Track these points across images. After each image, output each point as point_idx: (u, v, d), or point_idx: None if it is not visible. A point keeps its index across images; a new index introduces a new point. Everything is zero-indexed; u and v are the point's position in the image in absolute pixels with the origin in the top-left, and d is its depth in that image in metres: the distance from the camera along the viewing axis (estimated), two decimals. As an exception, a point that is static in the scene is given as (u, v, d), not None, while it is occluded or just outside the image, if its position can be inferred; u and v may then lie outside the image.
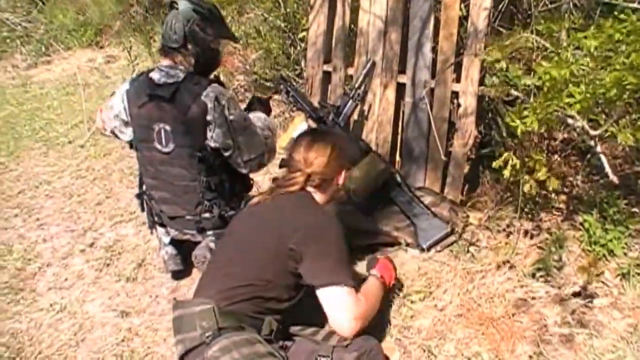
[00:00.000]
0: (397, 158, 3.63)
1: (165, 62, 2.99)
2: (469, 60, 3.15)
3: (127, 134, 3.13)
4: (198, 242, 3.12)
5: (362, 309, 2.27)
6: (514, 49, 2.45)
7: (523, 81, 2.50)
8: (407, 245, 3.10)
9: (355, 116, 3.58)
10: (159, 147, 2.95)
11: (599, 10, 2.90)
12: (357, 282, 2.40)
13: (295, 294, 2.31)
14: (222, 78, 3.16)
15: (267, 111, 3.35)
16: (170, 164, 2.96)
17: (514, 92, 2.80)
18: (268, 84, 5.14)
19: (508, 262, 2.85)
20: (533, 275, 2.75)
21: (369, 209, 3.24)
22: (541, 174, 2.64)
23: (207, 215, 3.02)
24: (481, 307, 2.65)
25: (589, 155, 3.15)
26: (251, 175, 3.23)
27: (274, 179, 2.63)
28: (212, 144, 2.90)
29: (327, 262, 2.26)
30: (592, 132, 2.25)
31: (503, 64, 2.46)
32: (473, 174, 3.49)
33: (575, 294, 2.61)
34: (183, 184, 2.98)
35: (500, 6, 3.17)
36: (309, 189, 2.51)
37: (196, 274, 3.19)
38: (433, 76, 3.32)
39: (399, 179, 3.27)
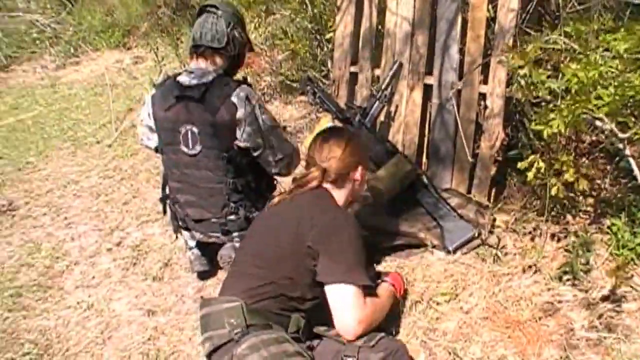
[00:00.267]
0: (424, 159, 3.62)
1: (195, 63, 3.04)
2: (496, 62, 3.14)
3: (153, 140, 3.16)
4: (223, 243, 3.14)
5: (368, 313, 2.26)
6: (538, 53, 2.43)
7: (547, 85, 2.48)
8: (433, 247, 3.09)
9: (382, 117, 3.58)
10: (185, 149, 2.97)
11: (628, 12, 2.87)
12: (373, 284, 2.41)
13: (320, 292, 2.31)
14: (248, 79, 3.19)
15: None
16: (196, 166, 2.99)
17: (542, 95, 2.79)
18: (294, 85, 5.15)
19: (534, 265, 2.83)
20: (560, 279, 2.72)
21: (395, 210, 3.23)
22: (569, 175, 2.62)
23: (232, 217, 3.03)
24: (507, 310, 2.63)
25: (617, 158, 3.12)
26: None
27: (294, 179, 2.64)
28: (242, 144, 2.94)
29: (341, 261, 2.25)
30: (621, 135, 2.23)
31: (526, 70, 2.44)
32: (500, 176, 3.46)
33: (603, 298, 2.58)
34: (209, 187, 3.00)
35: (528, 7, 3.15)
36: (327, 185, 2.51)
37: (222, 274, 3.21)
38: (460, 78, 3.30)
39: (425, 180, 3.26)
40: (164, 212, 3.34)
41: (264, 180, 3.18)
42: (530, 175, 2.67)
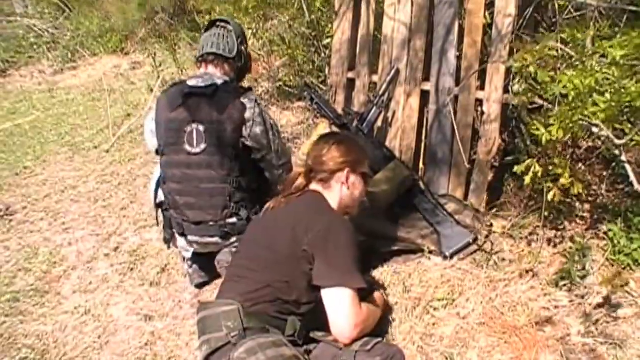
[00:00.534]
0: (421, 165, 3.62)
1: (204, 70, 3.19)
2: (493, 68, 3.15)
3: (152, 143, 3.21)
4: (219, 251, 3.15)
5: (364, 317, 2.27)
6: (541, 55, 2.44)
7: (550, 89, 2.49)
8: (430, 252, 3.09)
9: (379, 123, 3.58)
10: (188, 148, 3.01)
11: (625, 18, 2.88)
12: (367, 288, 2.42)
13: (316, 296, 2.31)
14: (245, 85, 3.25)
15: None
16: (198, 165, 3.01)
17: (539, 101, 2.80)
18: (292, 91, 5.16)
19: (531, 270, 2.84)
20: (556, 285, 2.73)
21: (393, 215, 3.24)
22: (564, 179, 2.62)
23: (232, 220, 3.04)
24: (504, 315, 2.64)
25: (613, 164, 3.14)
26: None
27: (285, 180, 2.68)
28: (248, 142, 3.02)
29: (337, 264, 2.25)
30: (617, 141, 2.24)
31: (532, 69, 2.45)
32: (497, 182, 3.47)
33: (599, 304, 2.58)
34: (210, 187, 3.01)
35: (525, 13, 3.16)
36: (318, 188, 2.53)
37: (219, 280, 3.20)
38: (457, 83, 3.32)
39: (422, 186, 3.27)
40: (157, 222, 3.36)
41: (264, 183, 3.22)
42: (527, 179, 2.68)
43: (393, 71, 3.47)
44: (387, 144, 3.56)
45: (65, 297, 3.44)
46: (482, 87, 3.25)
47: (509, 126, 3.48)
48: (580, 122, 2.26)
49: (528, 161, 2.70)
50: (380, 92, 3.43)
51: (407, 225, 3.20)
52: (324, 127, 3.33)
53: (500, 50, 3.10)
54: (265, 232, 2.46)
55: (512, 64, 2.66)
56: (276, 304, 2.26)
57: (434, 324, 2.67)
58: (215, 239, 3.08)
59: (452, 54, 3.33)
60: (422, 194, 3.24)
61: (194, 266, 3.26)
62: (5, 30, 9.87)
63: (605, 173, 3.20)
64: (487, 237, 3.10)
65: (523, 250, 2.99)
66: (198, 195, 3.03)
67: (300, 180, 2.53)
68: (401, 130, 3.56)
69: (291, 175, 2.61)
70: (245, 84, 3.47)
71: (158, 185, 3.23)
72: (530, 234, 3.06)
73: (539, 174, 2.67)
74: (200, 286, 3.29)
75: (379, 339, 2.28)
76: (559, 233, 3.02)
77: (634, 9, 2.70)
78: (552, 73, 2.45)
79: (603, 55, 2.26)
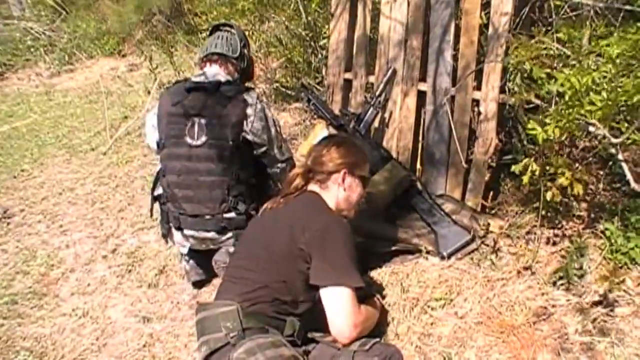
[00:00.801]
0: (418, 165, 3.63)
1: (208, 68, 3.26)
2: (489, 67, 3.15)
3: (152, 138, 3.22)
4: (217, 249, 3.15)
5: (363, 318, 2.28)
6: (536, 52, 2.44)
7: (546, 87, 2.49)
8: (428, 252, 3.10)
9: (376, 124, 3.58)
10: (190, 141, 3.04)
11: (620, 17, 2.88)
12: (365, 289, 2.42)
13: (313, 296, 2.32)
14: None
15: None
16: (198, 158, 3.04)
17: (535, 100, 2.80)
18: (289, 92, 5.16)
19: (529, 269, 2.84)
20: (554, 283, 2.73)
21: (390, 216, 3.24)
22: (564, 179, 2.62)
23: (229, 215, 3.06)
24: (502, 315, 2.64)
25: (610, 163, 3.14)
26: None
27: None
28: (250, 137, 3.06)
29: (334, 263, 2.25)
30: (614, 140, 2.24)
31: (527, 65, 2.45)
32: (494, 181, 3.48)
33: (597, 303, 2.59)
34: (209, 180, 3.03)
35: (521, 13, 3.17)
36: (315, 188, 2.54)
37: (217, 281, 3.21)
38: (454, 83, 3.32)
39: (419, 186, 3.27)
40: (151, 213, 3.41)
41: (264, 179, 3.26)
42: (525, 178, 2.68)
43: (390, 71, 3.48)
44: (384, 144, 3.56)
45: (63, 299, 3.44)
46: (478, 87, 3.26)
47: (506, 126, 3.48)
48: (577, 121, 2.26)
49: (525, 160, 2.70)
50: (377, 93, 3.43)
51: (405, 226, 3.21)
52: (321, 128, 3.33)
53: (497, 49, 3.10)
54: (263, 232, 2.46)
55: (508, 60, 2.67)
56: (274, 304, 2.26)
57: (431, 324, 2.67)
58: (212, 234, 3.09)
59: (448, 53, 3.34)
60: (420, 194, 3.24)
61: (191, 262, 3.25)
62: (2, 33, 9.87)
63: (602, 172, 3.20)
64: (484, 236, 3.10)
65: (520, 250, 2.98)
66: (197, 187, 3.05)
67: (298, 181, 2.54)
68: (398, 131, 3.56)
69: (289, 176, 2.61)
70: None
71: (157, 179, 3.26)
72: (528, 233, 3.07)
73: (537, 173, 2.67)
74: (198, 286, 3.29)
75: (377, 339, 2.29)
76: (556, 232, 3.02)
77: (629, 8, 2.70)
78: (548, 70, 2.45)
79: (599, 55, 2.27)
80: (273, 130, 3.16)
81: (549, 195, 2.72)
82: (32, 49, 9.30)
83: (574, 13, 3.06)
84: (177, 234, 3.19)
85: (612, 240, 2.77)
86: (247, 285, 2.28)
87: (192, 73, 3.37)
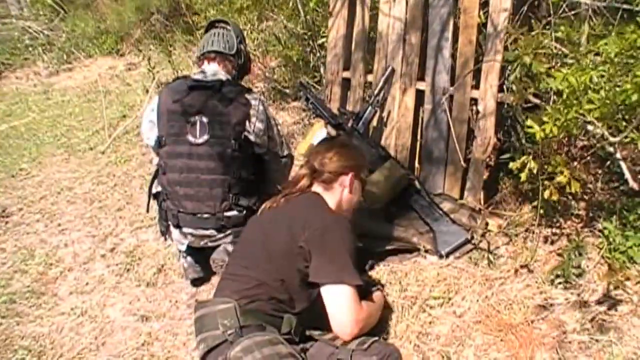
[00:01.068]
0: (417, 164, 3.62)
1: (207, 66, 3.28)
2: (488, 65, 3.15)
3: (152, 138, 3.21)
4: (216, 247, 3.15)
5: (364, 314, 2.29)
6: (536, 46, 2.44)
7: (544, 84, 2.49)
8: (426, 251, 3.09)
9: (374, 122, 3.58)
10: (191, 139, 3.06)
11: (619, 16, 2.88)
12: (367, 287, 2.43)
13: (311, 294, 2.32)
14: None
15: None
16: (199, 156, 3.05)
17: (534, 99, 2.80)
18: (287, 91, 5.15)
19: (527, 268, 2.84)
20: (552, 282, 2.73)
21: (389, 215, 3.24)
22: (562, 177, 2.62)
23: (229, 213, 3.07)
24: (500, 313, 2.64)
25: (608, 162, 3.14)
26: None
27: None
28: (251, 137, 3.08)
29: (335, 261, 2.26)
30: (612, 139, 2.24)
31: (527, 59, 2.45)
32: (492, 180, 3.48)
33: (595, 301, 2.58)
34: (210, 178, 3.05)
35: (520, 11, 3.16)
36: (318, 189, 2.55)
37: (215, 279, 3.21)
38: (452, 82, 3.32)
39: (418, 185, 3.27)
40: (147, 209, 3.47)
41: (264, 177, 3.28)
42: (523, 176, 2.68)
43: (388, 70, 3.47)
44: (382, 143, 3.56)
45: (61, 298, 3.44)
46: (477, 86, 3.25)
47: (504, 125, 3.48)
48: (575, 120, 2.26)
49: (523, 158, 2.70)
50: (376, 92, 3.43)
51: (403, 225, 3.21)
52: (319, 127, 3.34)
53: (496, 46, 3.10)
54: (262, 231, 2.46)
55: (507, 55, 2.67)
56: (271, 302, 2.27)
57: (430, 323, 2.67)
58: (210, 232, 3.10)
59: (447, 51, 3.33)
60: (418, 193, 3.24)
61: (189, 259, 3.25)
62: (0, 32, 9.86)
63: (600, 171, 3.20)
64: (482, 235, 3.10)
65: (519, 248, 2.99)
66: (198, 185, 3.06)
67: (304, 182, 2.56)
68: (396, 129, 3.56)
69: (295, 176, 2.64)
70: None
71: (155, 176, 3.27)
72: (526, 231, 3.06)
73: (535, 171, 2.67)
74: (196, 285, 3.29)
75: (376, 338, 2.28)
76: (555, 231, 3.02)
77: (627, 7, 2.70)
78: (547, 65, 2.45)
79: (597, 54, 2.27)
80: (274, 130, 3.20)
81: (546, 194, 2.72)
82: (30, 48, 9.28)
83: (573, 12, 3.06)
84: (175, 232, 3.19)
85: (611, 239, 2.77)
86: (244, 283, 2.28)
87: (190, 72, 3.37)
